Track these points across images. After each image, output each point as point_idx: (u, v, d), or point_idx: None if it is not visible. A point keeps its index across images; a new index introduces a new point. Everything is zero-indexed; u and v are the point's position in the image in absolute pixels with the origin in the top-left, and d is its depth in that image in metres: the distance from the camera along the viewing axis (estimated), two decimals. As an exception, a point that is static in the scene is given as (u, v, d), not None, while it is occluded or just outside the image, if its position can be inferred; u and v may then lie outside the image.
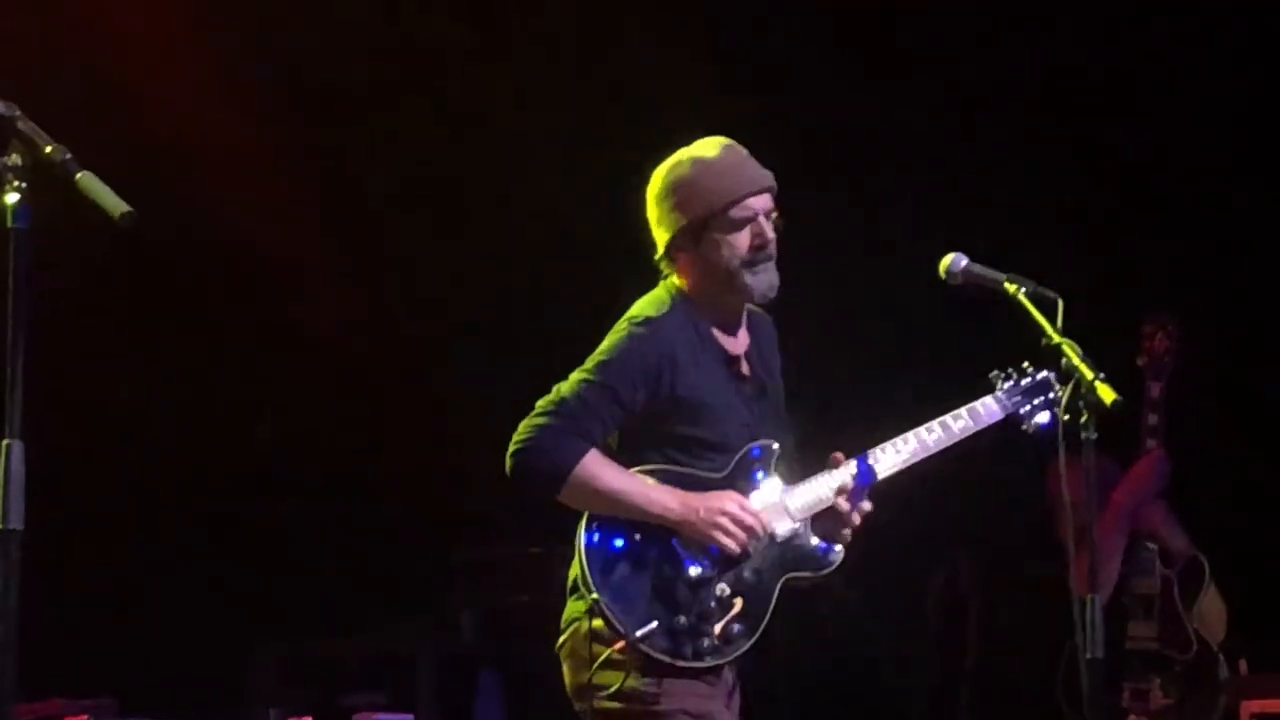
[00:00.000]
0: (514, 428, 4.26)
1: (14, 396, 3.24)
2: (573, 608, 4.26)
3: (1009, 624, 7.01)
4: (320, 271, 7.53)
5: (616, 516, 4.20)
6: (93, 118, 6.01)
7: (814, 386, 4.79)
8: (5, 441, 3.24)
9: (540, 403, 4.25)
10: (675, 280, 4.41)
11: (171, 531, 7.49)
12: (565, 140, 7.29)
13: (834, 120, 7.31)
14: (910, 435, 4.47)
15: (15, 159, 3.30)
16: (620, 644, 4.15)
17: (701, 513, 4.20)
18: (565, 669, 4.28)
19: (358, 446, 7.66)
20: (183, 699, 7.16)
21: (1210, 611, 6.43)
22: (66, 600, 6.90)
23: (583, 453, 4.18)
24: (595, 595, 4.14)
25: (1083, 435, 4.10)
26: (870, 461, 4.40)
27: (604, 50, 7.37)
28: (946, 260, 4.50)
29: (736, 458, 4.32)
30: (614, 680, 4.17)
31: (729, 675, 4.32)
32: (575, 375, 4.27)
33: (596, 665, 4.17)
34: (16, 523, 3.24)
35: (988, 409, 4.58)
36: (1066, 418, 4.11)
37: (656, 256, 4.44)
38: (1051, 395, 4.65)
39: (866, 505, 4.39)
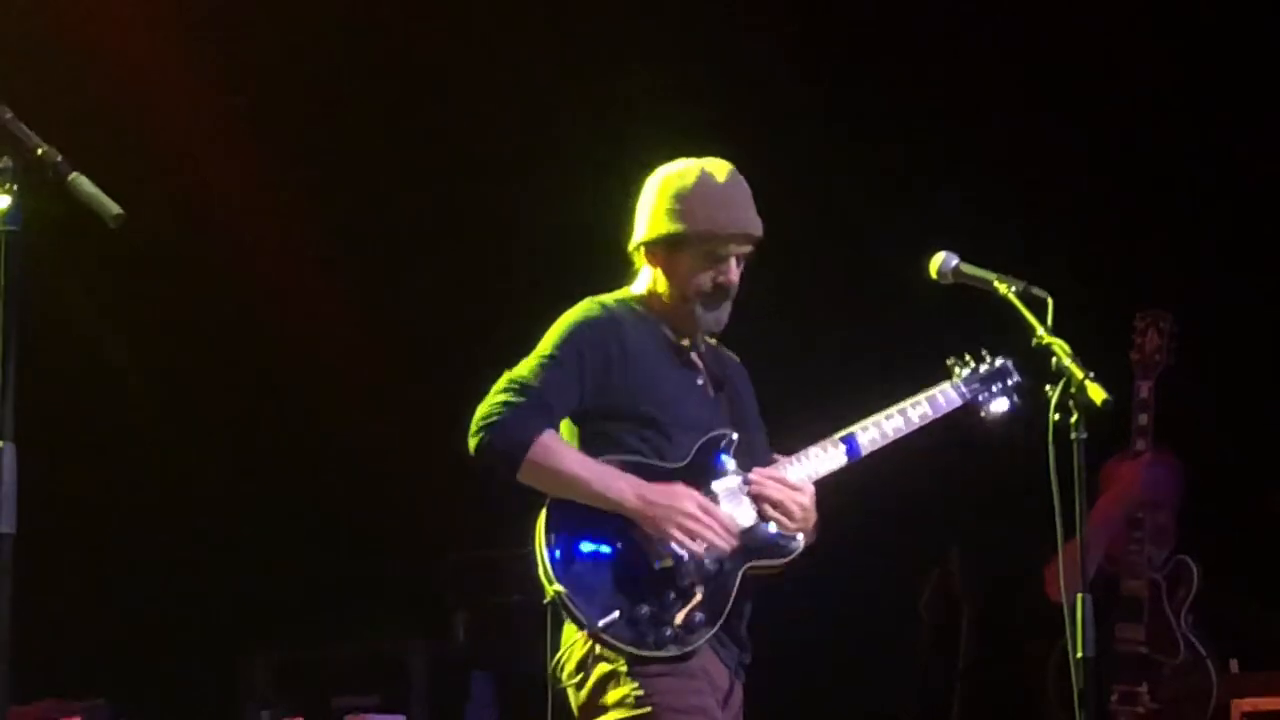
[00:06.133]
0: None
1: (6, 399, 3.23)
2: (568, 631, 4.26)
3: (1003, 623, 6.99)
4: (317, 282, 7.55)
5: (575, 509, 4.18)
6: (90, 124, 6.01)
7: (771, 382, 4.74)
8: (-2, 444, 3.25)
9: (498, 384, 4.24)
10: (632, 286, 4.46)
11: (164, 533, 7.48)
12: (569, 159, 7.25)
13: (807, 113, 7.27)
14: (869, 423, 4.47)
15: (7, 161, 3.30)
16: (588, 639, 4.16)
17: (659, 510, 4.17)
18: (569, 694, 4.28)
19: (349, 449, 7.65)
20: (175, 701, 7.16)
21: None
22: (58, 602, 6.89)
23: (541, 428, 4.17)
24: (557, 587, 4.14)
25: (1073, 435, 4.09)
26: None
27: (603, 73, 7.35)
28: (937, 259, 4.48)
29: (695, 447, 4.32)
30: (614, 696, 4.18)
31: (723, 674, 4.31)
32: (530, 357, 4.29)
33: (591, 683, 4.19)
34: (8, 526, 3.24)
35: (947, 397, 4.59)
36: (1057, 417, 4.11)
37: (631, 245, 4.47)
38: (1010, 382, 4.67)
39: (803, 498, 4.37)
